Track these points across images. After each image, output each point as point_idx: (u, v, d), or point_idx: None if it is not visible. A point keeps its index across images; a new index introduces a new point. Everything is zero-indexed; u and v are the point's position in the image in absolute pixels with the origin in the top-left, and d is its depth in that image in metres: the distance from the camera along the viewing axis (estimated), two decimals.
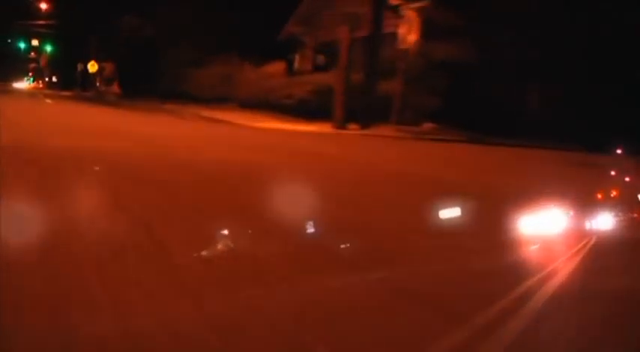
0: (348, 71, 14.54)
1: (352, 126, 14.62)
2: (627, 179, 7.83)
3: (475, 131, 14.95)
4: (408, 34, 15.00)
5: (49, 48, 60.18)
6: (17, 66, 71.53)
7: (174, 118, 14.70)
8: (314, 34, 24.07)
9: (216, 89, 21.57)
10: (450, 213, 3.47)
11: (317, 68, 22.68)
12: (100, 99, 29.97)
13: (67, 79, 54.72)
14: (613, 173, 8.40)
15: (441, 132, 15.53)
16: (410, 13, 15.17)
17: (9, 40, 59.03)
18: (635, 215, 4.78)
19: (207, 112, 16.59)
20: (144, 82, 29.90)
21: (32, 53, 72.98)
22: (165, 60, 26.72)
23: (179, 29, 25.98)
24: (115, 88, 44.37)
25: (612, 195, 6.07)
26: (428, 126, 16.84)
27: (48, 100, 19.31)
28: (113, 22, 33.53)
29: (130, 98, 28.52)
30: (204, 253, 2.33)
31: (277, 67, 20.68)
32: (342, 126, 14.39)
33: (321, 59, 24.26)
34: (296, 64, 23.01)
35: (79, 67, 51.48)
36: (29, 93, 31.08)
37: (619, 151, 10.85)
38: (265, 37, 25.05)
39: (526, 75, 16.99)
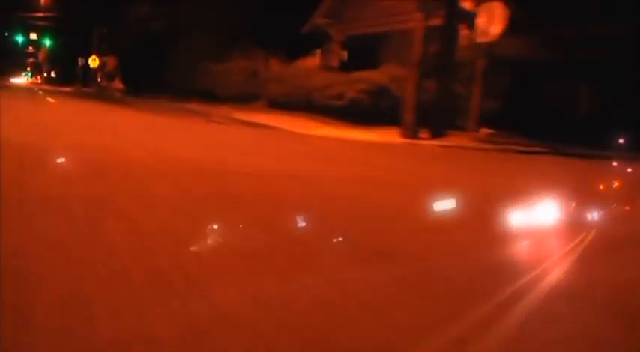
0: (421, 68, 11.46)
1: (423, 133, 11.59)
2: (629, 170, 7.49)
3: (534, 137, 12.41)
4: (490, 25, 11.94)
5: (48, 42, 56.47)
6: (16, 60, 67.97)
7: (213, 124, 11.56)
8: (342, 26, 21.03)
9: (240, 86, 18.46)
10: None
11: (343, 64, 19.73)
12: (104, 96, 26.72)
13: (67, 74, 51.29)
14: (615, 163, 7.95)
15: (509, 140, 12.55)
16: (491, 3, 12.11)
17: (6, 34, 55.23)
18: (628, 207, 4.56)
19: (239, 114, 13.49)
20: (149, 78, 26.69)
21: (30, 47, 69.33)
22: (176, 54, 23.52)
23: (194, 20, 22.78)
24: (117, 83, 41.13)
25: (614, 186, 5.83)
26: (484, 132, 13.91)
27: (50, 99, 15.99)
28: (118, 13, 30.20)
29: (136, 95, 25.29)
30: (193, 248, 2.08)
31: (312, 61, 17.58)
32: (413, 134, 11.34)
33: (343, 55, 21.36)
34: (316, 60, 19.95)
35: (80, 61, 48.09)
36: (28, 90, 27.65)
37: (621, 141, 10.13)
38: (288, 30, 22.04)
39: (581, 75, 14.50)
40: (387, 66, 14.39)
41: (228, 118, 12.72)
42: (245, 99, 17.84)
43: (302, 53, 21.36)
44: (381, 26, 18.81)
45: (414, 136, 11.38)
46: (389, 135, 11.44)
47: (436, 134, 11.75)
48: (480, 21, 12.26)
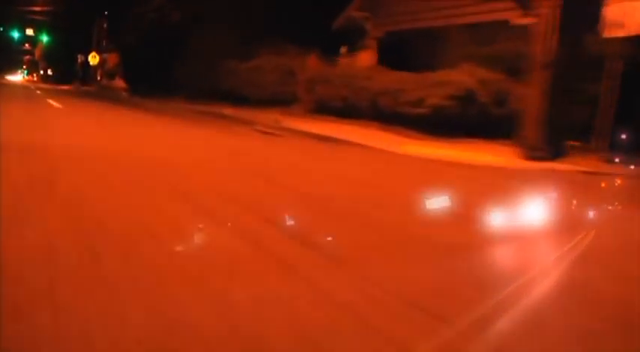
0: (558, 70, 8.44)
1: (538, 152, 8.59)
2: (632, 167, 7.15)
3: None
4: (627, 16, 8.94)
5: (44, 38, 52.67)
6: (11, 57, 64.25)
7: (278, 139, 8.47)
8: (380, 20, 18.03)
9: (273, 87, 15.39)
10: None
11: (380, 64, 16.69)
12: (110, 96, 23.47)
13: (64, 72, 47.69)
14: (617, 160, 7.50)
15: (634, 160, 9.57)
16: None
17: (1, 29, 51.28)
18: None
19: (291, 122, 10.43)
20: (157, 76, 23.47)
21: (27, 44, 65.51)
22: (193, 50, 20.32)
23: (212, 13, 19.61)
24: (118, 82, 37.82)
25: (616, 184, 5.45)
26: (573, 145, 10.97)
27: (53, 102, 12.59)
28: (123, 5, 26.89)
29: (144, 95, 22.06)
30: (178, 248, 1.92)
31: (364, 58, 14.56)
32: (534, 154, 8.35)
33: (374, 53, 18.32)
34: (367, 57, 16.82)
35: (80, 58, 44.59)
36: (25, 90, 24.34)
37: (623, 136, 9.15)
38: (317, 25, 19.02)
39: None
40: (466, 65, 11.37)
41: (281, 128, 9.64)
42: (280, 102, 14.79)
43: (330, 50, 18.45)
44: (432, 20, 15.77)
45: (538, 157, 8.38)
46: (502, 155, 8.46)
47: (557, 153, 8.79)
48: (610, 10, 9.23)
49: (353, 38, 18.92)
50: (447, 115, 10.36)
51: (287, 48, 17.00)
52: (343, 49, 19.38)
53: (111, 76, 42.69)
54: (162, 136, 7.15)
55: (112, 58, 41.81)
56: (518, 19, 13.10)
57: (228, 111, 12.46)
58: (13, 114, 8.15)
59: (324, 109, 13.10)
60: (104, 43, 43.08)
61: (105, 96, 22.90)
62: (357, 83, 11.56)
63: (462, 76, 10.79)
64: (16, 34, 54.63)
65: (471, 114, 10.59)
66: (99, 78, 44.18)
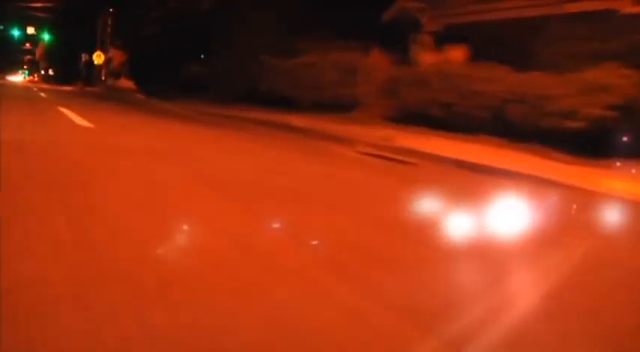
0: None
1: None
2: (633, 171, 6.49)
3: None
4: None
5: (46, 36, 49.49)
6: (12, 57, 61.19)
7: (422, 174, 5.63)
8: (438, 12, 15.16)
9: (333, 88, 12.53)
10: None
11: None
12: (125, 99, 20.50)
13: (67, 72, 44.66)
14: (618, 164, 6.87)
15: None
16: None
17: (1, 27, 48.00)
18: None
19: (404, 139, 7.53)
20: (175, 75, 20.57)
21: (27, 44, 62.31)
22: (224, 45, 17.42)
23: (246, 1, 16.71)
24: (125, 82, 34.83)
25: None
26: None
27: (70, 114, 9.39)
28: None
29: (162, 97, 19.09)
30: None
31: (456, 53, 11.69)
32: None
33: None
34: (460, 55, 13.90)
35: (84, 57, 41.57)
36: (26, 90, 21.35)
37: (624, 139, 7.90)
38: (362, 17, 16.13)
39: None
40: (607, 66, 8.45)
41: (398, 150, 6.73)
42: (343, 106, 11.93)
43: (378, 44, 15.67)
44: (511, 11, 12.88)
45: None
46: None
47: None
48: None
49: (405, 32, 16.11)
50: (603, 130, 7.52)
51: (339, 43, 14.14)
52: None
53: (116, 75, 39.81)
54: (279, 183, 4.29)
55: (118, 57, 38.92)
56: (631, 8, 10.31)
57: (298, 122, 9.53)
58: (16, 168, 5.16)
59: (408, 117, 10.22)
60: (108, 41, 40.21)
61: (119, 99, 19.93)
62: (469, 86, 8.67)
63: (616, 79, 7.94)
64: (16, 33, 51.36)
65: (624, 129, 7.77)
66: (103, 78, 41.26)
